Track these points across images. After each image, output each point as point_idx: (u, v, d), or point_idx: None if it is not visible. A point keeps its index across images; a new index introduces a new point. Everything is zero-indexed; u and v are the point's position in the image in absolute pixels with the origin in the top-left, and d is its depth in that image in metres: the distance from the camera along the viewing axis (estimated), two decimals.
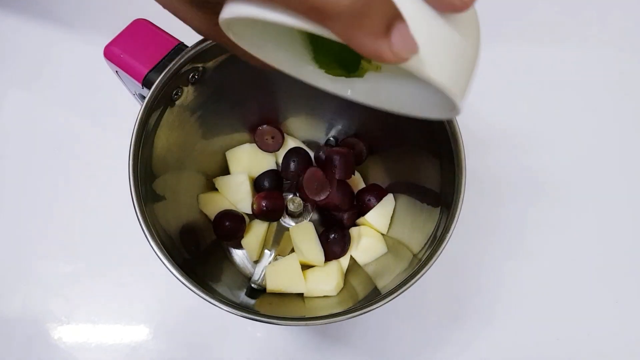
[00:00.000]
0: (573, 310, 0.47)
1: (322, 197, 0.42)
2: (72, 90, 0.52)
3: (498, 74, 0.55)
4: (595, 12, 0.58)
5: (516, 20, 0.58)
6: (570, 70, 0.56)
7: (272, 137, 0.44)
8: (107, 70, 0.37)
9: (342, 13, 0.16)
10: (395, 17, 0.17)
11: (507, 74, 0.55)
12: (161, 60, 0.34)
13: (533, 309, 0.47)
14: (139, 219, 0.30)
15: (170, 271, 0.30)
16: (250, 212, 0.43)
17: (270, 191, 0.43)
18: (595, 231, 0.50)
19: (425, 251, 0.34)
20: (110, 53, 0.35)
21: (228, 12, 0.19)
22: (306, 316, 0.36)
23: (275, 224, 0.45)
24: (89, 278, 0.47)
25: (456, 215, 0.32)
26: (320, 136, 0.47)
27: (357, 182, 0.45)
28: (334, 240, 0.42)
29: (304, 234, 0.42)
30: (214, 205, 0.43)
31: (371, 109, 0.41)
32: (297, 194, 0.44)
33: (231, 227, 0.42)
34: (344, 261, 0.43)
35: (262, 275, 0.42)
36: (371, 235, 0.42)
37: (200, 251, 0.40)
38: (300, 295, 0.40)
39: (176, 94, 0.35)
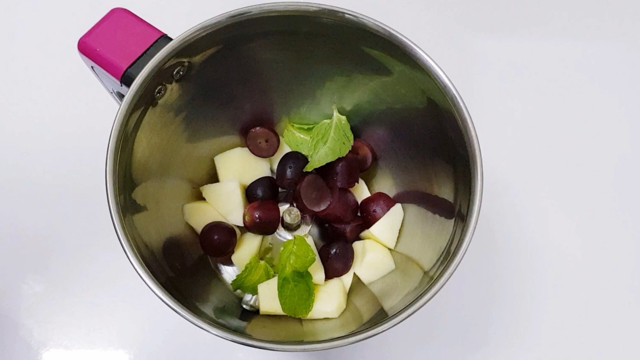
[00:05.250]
0: (598, 337, 0.47)
1: (322, 208, 0.42)
2: (42, 88, 0.53)
3: (513, 70, 0.56)
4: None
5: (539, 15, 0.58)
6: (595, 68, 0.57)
7: (266, 141, 0.44)
8: (82, 65, 0.37)
9: None
10: None
11: (526, 70, 0.56)
12: (142, 55, 0.34)
13: (556, 334, 0.47)
14: (117, 232, 0.30)
15: (152, 290, 0.29)
16: (241, 224, 0.43)
17: (264, 201, 0.43)
18: (633, 251, 0.50)
19: (438, 268, 0.34)
20: (85, 46, 0.35)
21: None
22: (304, 340, 0.36)
23: (269, 237, 0.45)
24: (62, 298, 0.47)
25: (471, 228, 0.32)
26: None
27: (361, 190, 0.46)
28: (336, 256, 0.42)
29: None
30: (201, 216, 0.43)
31: (377, 109, 0.41)
32: (294, 204, 0.44)
33: (220, 241, 0.42)
34: (347, 279, 0.43)
35: (254, 296, 0.42)
36: (377, 250, 0.42)
37: (185, 268, 0.40)
38: (298, 317, 0.40)
39: (159, 92, 0.35)
